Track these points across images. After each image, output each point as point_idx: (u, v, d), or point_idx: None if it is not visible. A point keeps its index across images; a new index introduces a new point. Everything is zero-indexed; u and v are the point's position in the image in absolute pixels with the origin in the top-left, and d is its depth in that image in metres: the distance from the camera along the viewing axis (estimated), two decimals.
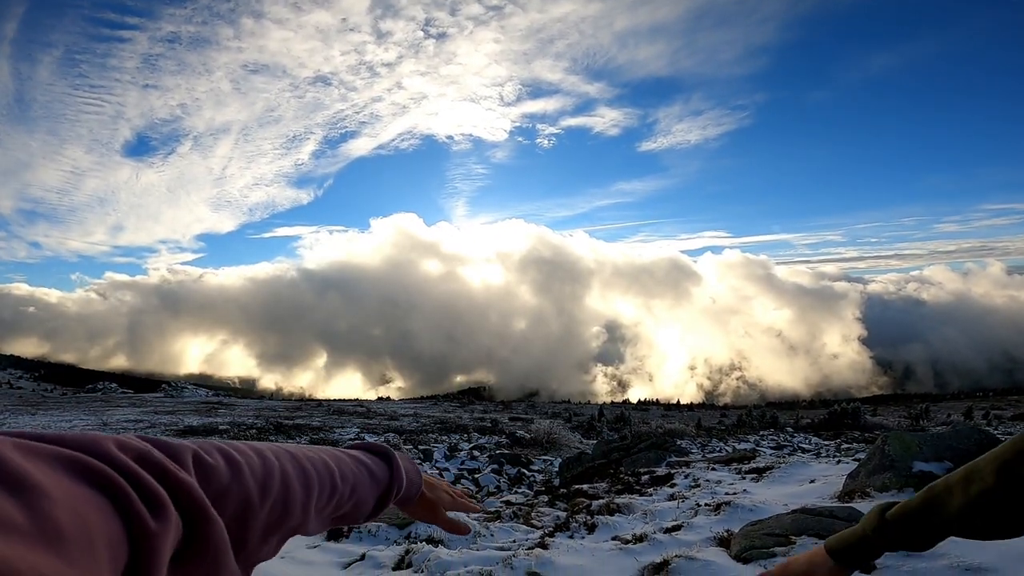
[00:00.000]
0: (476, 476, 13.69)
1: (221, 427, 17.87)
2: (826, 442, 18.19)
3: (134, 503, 0.28)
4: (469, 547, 4.68)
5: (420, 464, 15.31)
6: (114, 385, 48.79)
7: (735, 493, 6.84)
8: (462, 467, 14.89)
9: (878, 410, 37.71)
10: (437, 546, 4.44)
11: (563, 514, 7.03)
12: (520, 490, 11.95)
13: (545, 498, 9.09)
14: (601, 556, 4.33)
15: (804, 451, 15.77)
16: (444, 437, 20.58)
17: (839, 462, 9.11)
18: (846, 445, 15.61)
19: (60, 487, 0.25)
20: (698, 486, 8.09)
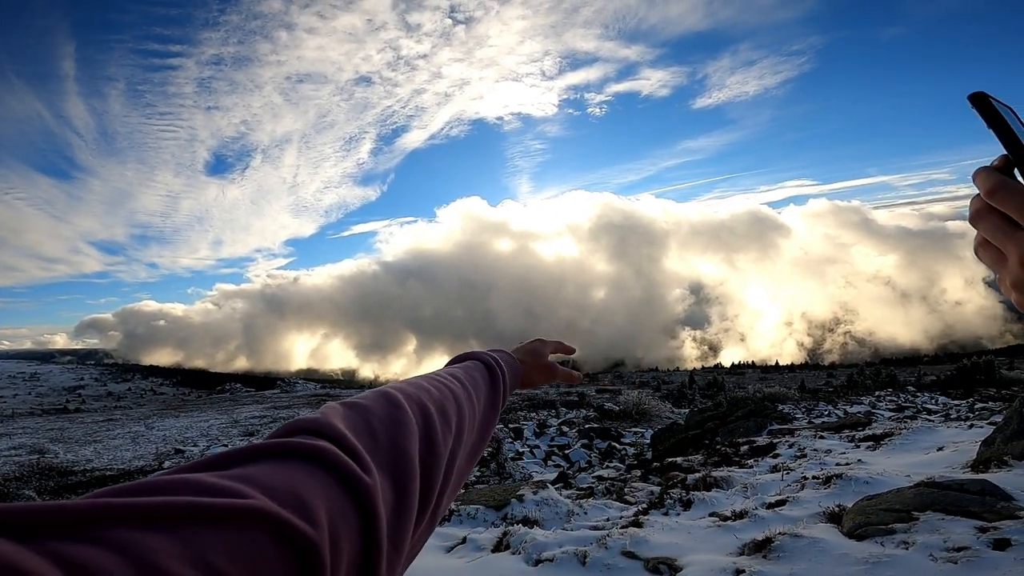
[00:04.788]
0: (567, 452, 13.87)
1: None
2: (956, 402, 16.40)
3: (343, 463, 0.32)
4: (563, 527, 4.76)
5: (511, 441, 15.68)
6: (239, 385, 54.90)
7: (848, 464, 6.37)
8: (552, 443, 15.14)
9: (1015, 363, 33.24)
10: (532, 527, 4.57)
11: (657, 489, 6.94)
12: (612, 464, 11.95)
13: (638, 472, 9.02)
14: (698, 534, 4.24)
15: (930, 413, 14.34)
16: (533, 414, 20.99)
17: (972, 426, 8.19)
18: (980, 405, 14.03)
19: (273, 473, 0.29)
20: (804, 456, 7.63)
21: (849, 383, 30.40)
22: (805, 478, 5.82)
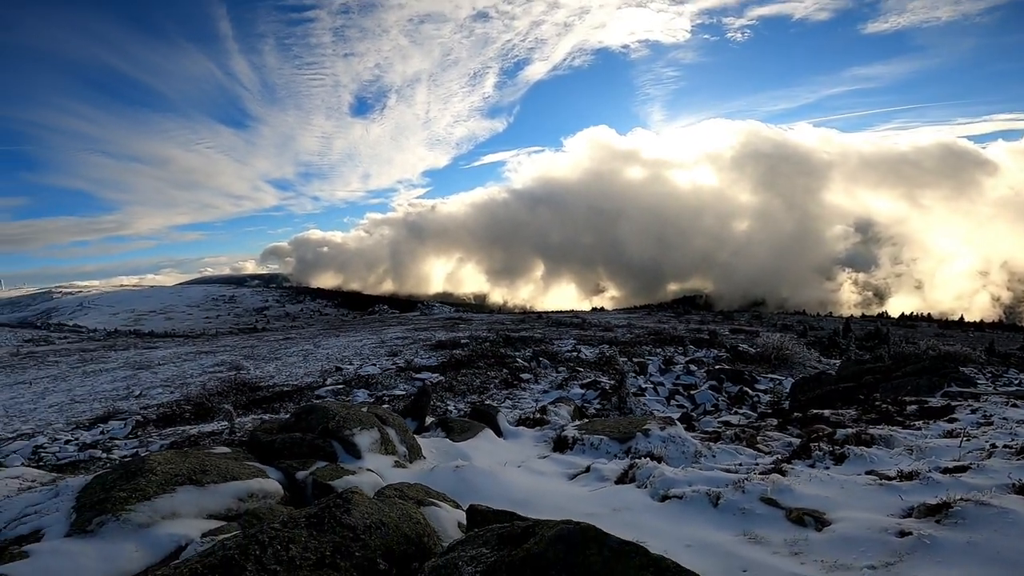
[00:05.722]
0: (692, 393, 13.42)
1: (463, 340, 21.03)
2: None
3: None
4: (692, 466, 4.65)
5: (635, 376, 15.55)
6: (385, 307, 61.67)
7: None
8: (677, 382, 14.74)
9: None
10: (660, 463, 4.53)
11: (796, 440, 6.45)
12: (741, 410, 11.32)
13: (773, 421, 8.44)
14: (853, 490, 3.86)
15: None
16: (658, 349, 20.47)
17: None
18: None
19: None
20: (990, 424, 6.53)
21: None
22: (994, 446, 4.98)
